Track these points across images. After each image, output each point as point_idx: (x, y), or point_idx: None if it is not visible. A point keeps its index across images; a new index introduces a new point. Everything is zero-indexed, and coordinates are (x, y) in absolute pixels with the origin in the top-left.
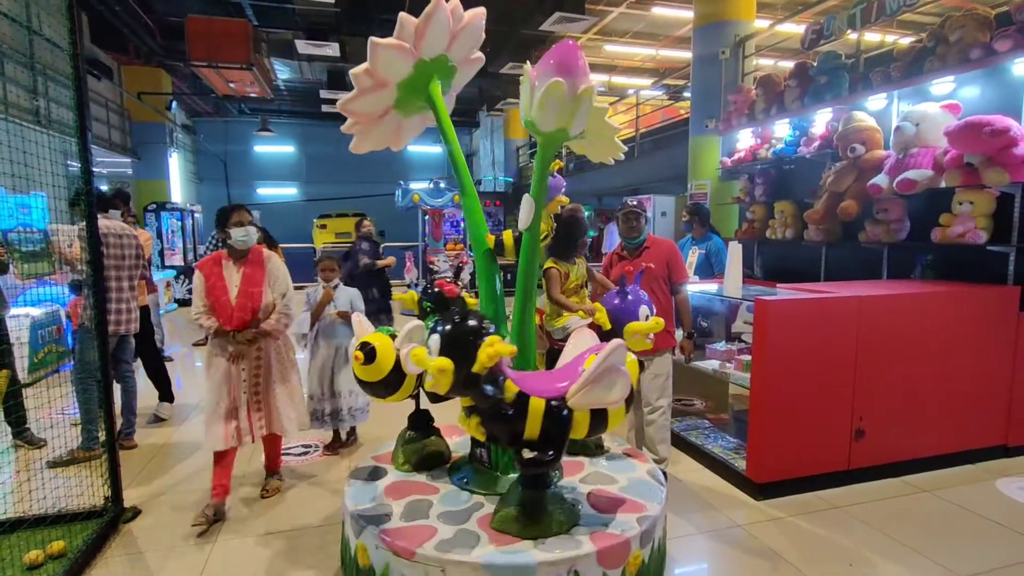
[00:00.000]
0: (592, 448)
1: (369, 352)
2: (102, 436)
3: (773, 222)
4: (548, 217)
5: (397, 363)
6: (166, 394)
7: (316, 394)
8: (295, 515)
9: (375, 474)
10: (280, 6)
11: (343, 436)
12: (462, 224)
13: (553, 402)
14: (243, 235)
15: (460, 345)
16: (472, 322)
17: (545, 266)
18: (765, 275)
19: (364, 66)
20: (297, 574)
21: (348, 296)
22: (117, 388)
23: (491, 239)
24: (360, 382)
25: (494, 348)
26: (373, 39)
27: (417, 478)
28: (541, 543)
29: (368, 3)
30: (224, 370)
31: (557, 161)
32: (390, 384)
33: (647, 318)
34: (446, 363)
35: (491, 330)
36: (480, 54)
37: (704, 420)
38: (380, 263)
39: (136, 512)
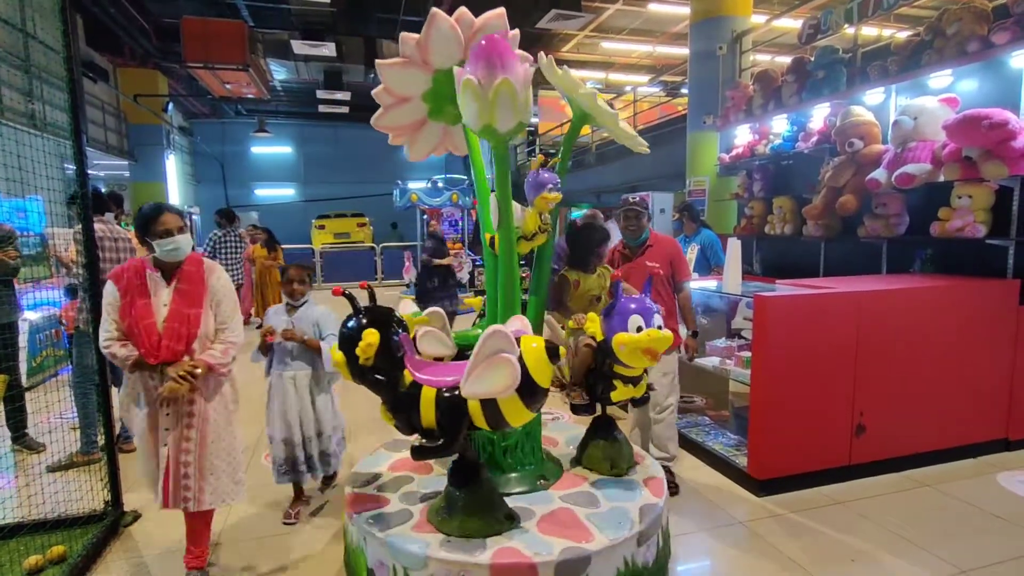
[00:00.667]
0: (617, 467)
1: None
2: (101, 440)
3: (772, 218)
4: (536, 216)
5: None
6: None
7: (287, 439)
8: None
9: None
10: (275, 6)
11: (319, 485)
12: (460, 223)
13: (445, 392)
14: (171, 247)
15: (347, 340)
16: (353, 321)
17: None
18: (764, 271)
19: (381, 86)
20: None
21: (314, 318)
22: (116, 392)
23: (489, 237)
24: (541, 393)
25: (366, 342)
26: (379, 62)
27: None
28: (448, 541)
29: (364, 2)
30: (145, 419)
31: (540, 156)
32: None
33: (639, 329)
34: (339, 356)
35: (364, 324)
36: (520, 53)
37: (705, 417)
38: (437, 261)
39: (136, 516)
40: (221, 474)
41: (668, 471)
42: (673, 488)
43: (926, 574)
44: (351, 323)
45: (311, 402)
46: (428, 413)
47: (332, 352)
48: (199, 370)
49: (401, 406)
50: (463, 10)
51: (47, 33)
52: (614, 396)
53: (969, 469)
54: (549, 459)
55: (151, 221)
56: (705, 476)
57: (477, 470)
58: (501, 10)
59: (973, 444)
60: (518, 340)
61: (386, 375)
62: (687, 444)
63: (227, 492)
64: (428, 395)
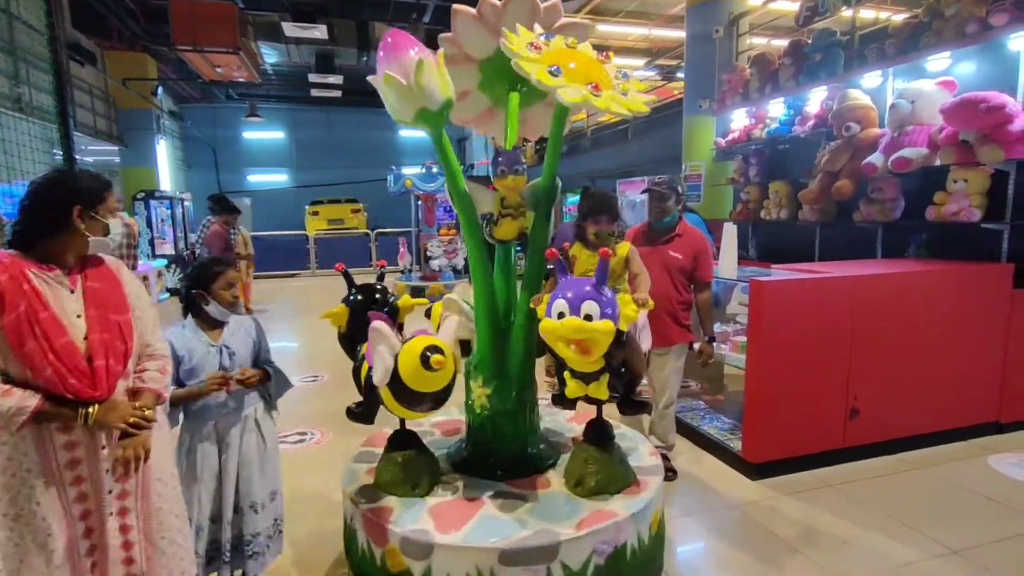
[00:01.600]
0: (583, 486)
1: (446, 356)
2: None
3: (768, 202)
4: (498, 200)
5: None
6: None
7: (207, 516)
8: (291, 504)
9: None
10: None
11: None
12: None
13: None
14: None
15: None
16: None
17: None
18: (760, 256)
19: (449, 34)
20: (299, 560)
21: (251, 333)
22: None
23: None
24: (417, 397)
25: (333, 311)
26: (456, 6)
27: (444, 498)
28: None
29: None
30: (44, 494)
31: (492, 139)
32: (447, 392)
33: (560, 316)
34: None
35: (346, 298)
36: (569, 19)
37: (699, 401)
38: None
39: None
40: (177, 542)
41: (665, 458)
42: (670, 474)
43: (918, 555)
44: (349, 297)
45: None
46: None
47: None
48: (149, 410)
49: (354, 373)
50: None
51: (31, 14)
52: (567, 392)
53: (961, 452)
54: (549, 446)
55: (104, 194)
56: (700, 460)
57: (410, 437)
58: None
59: (965, 427)
60: (411, 339)
61: (352, 344)
62: (682, 428)
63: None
64: (364, 368)
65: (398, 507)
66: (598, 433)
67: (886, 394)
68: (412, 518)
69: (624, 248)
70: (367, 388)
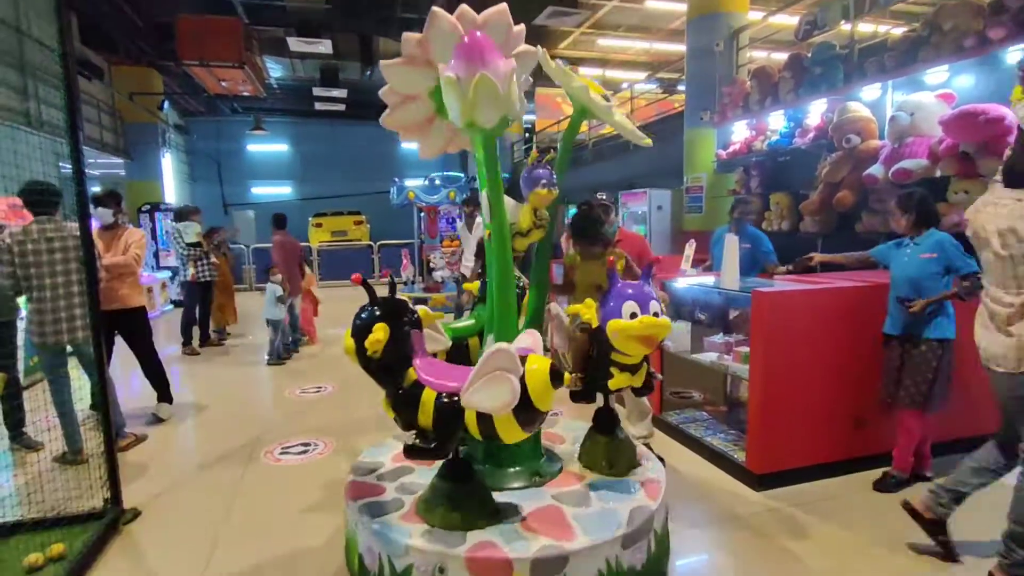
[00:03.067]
0: (616, 467)
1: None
2: (91, 440)
3: (769, 214)
4: (531, 212)
5: None
6: (165, 395)
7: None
8: (296, 514)
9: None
10: (271, 3)
11: None
12: (458, 221)
13: (444, 397)
14: None
15: (359, 330)
16: (366, 312)
17: None
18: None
19: (387, 85)
20: (301, 572)
21: None
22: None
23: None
24: (537, 416)
25: (375, 336)
26: (382, 62)
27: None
28: (430, 531)
29: None
30: None
31: (534, 152)
32: None
33: (632, 316)
34: (349, 343)
35: (377, 316)
36: (525, 47)
37: (702, 412)
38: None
39: (136, 513)
40: None
41: (648, 447)
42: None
43: (925, 567)
44: (364, 314)
45: None
46: (426, 414)
47: (345, 337)
48: None
49: (401, 403)
50: (464, 7)
51: (42, 31)
52: (611, 384)
53: None
54: (550, 456)
55: None
56: (703, 471)
57: (466, 465)
58: (503, 6)
59: (972, 437)
60: (524, 359)
61: (392, 370)
62: (685, 439)
63: None
64: (428, 396)
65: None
66: (612, 422)
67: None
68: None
69: (621, 259)
70: (444, 416)
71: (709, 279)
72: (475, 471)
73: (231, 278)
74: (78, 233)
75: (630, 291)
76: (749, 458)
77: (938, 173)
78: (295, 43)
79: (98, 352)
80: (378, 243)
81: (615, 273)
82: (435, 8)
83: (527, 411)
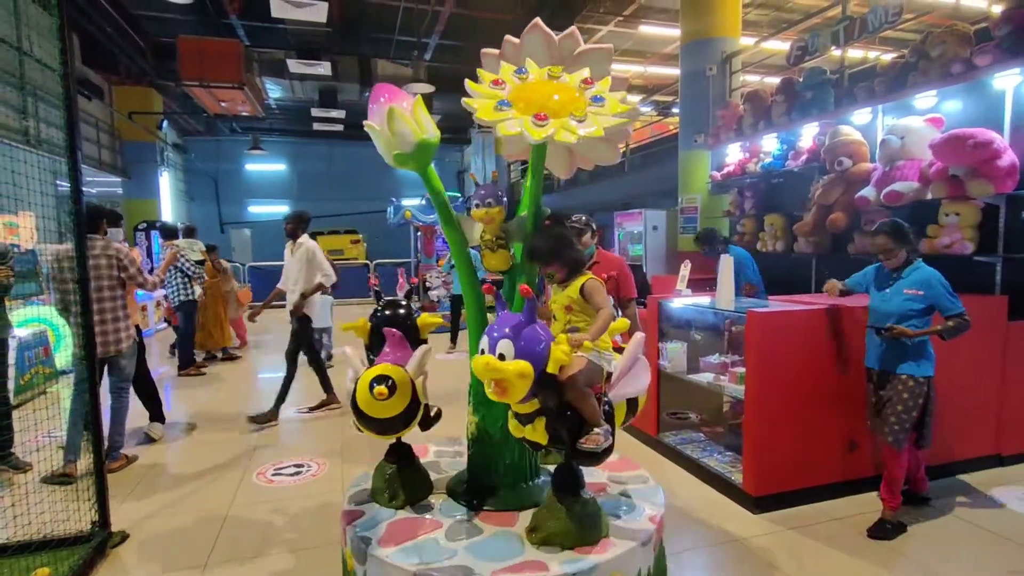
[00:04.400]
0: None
1: (391, 385)
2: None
3: (763, 234)
4: (479, 232)
5: (414, 391)
6: (157, 414)
7: None
8: (289, 536)
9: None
10: (271, 26)
11: None
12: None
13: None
14: None
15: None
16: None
17: None
18: None
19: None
20: None
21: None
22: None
23: None
24: (369, 421)
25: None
26: (484, 50)
27: (409, 515)
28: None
29: (359, 22)
30: None
31: (493, 172)
32: (409, 416)
33: (481, 352)
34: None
35: (374, 312)
36: (592, 47)
37: (699, 433)
38: None
39: (124, 536)
40: None
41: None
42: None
43: None
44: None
45: None
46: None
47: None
48: None
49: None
50: (509, 38)
51: (43, 50)
52: (510, 428)
53: (963, 485)
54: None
55: None
56: (700, 492)
57: (403, 451)
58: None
59: (966, 459)
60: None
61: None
62: (682, 460)
63: None
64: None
65: (369, 513)
66: (562, 482)
67: None
68: (369, 526)
69: (576, 285)
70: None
71: (704, 299)
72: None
73: (228, 297)
74: (112, 252)
75: (496, 326)
76: (746, 480)
77: (929, 196)
78: (295, 65)
79: (90, 371)
80: (374, 262)
81: (501, 299)
82: (484, 50)
83: (356, 411)
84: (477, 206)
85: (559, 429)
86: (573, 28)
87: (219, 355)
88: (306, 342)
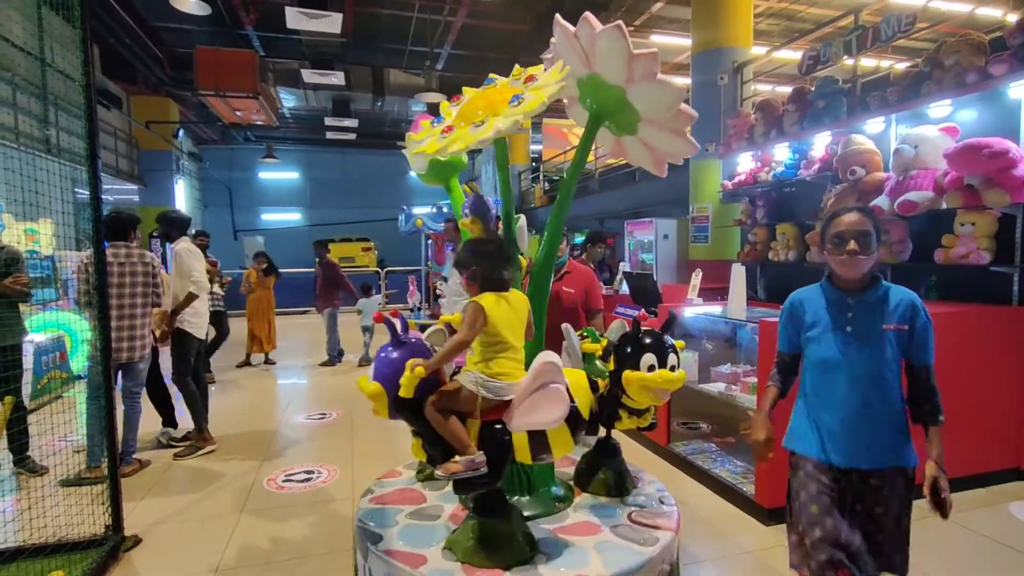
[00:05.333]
0: (618, 489)
1: None
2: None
3: (775, 244)
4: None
5: None
6: (170, 420)
7: None
8: (299, 543)
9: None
10: (287, 37)
11: None
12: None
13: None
14: None
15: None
16: (396, 352)
17: None
18: (768, 296)
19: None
20: None
21: None
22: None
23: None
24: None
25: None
26: (558, 18)
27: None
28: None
29: (372, 33)
30: None
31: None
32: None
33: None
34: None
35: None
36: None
37: (711, 444)
38: None
39: (137, 541)
40: None
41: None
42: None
43: None
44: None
45: None
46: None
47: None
48: None
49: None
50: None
51: (65, 61)
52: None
53: (981, 499)
54: (564, 487)
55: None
56: (711, 504)
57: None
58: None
59: (984, 473)
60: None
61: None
62: (693, 471)
63: None
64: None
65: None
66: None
67: None
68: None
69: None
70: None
71: (715, 308)
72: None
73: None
74: (148, 260)
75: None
76: (758, 491)
77: (944, 205)
78: (309, 75)
79: (106, 376)
80: (385, 269)
81: (396, 323)
82: (557, 18)
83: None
84: (464, 215)
85: (430, 451)
86: (586, 14)
87: (256, 362)
88: (182, 362)
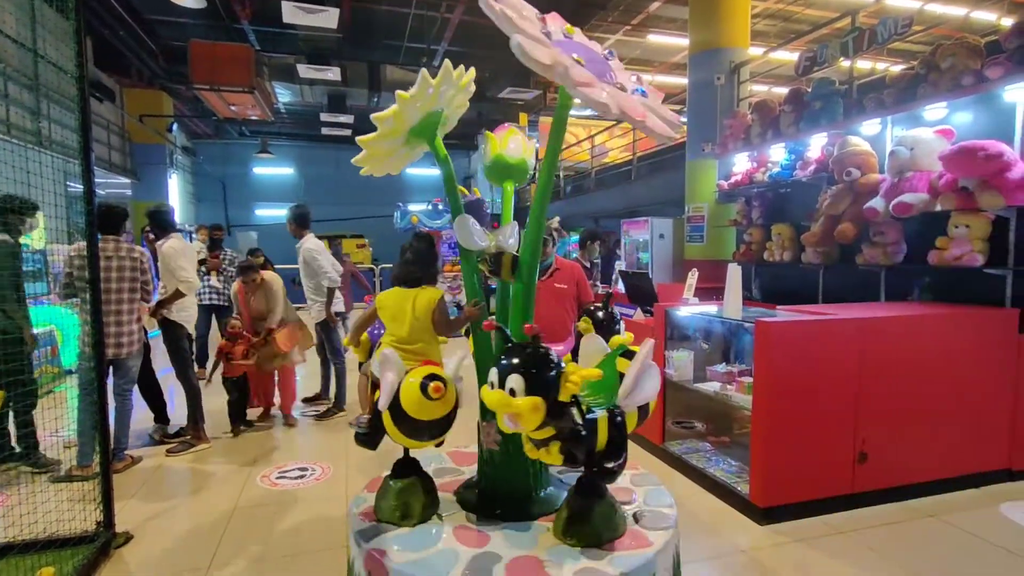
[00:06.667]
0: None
1: (445, 383)
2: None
3: (771, 244)
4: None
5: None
6: (161, 416)
7: None
8: (292, 540)
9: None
10: (282, 31)
11: None
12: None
13: (615, 411)
14: None
15: (544, 379)
16: (543, 353)
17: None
18: (763, 297)
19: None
20: None
21: None
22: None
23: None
24: (412, 425)
25: (578, 375)
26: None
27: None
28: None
29: (369, 29)
30: None
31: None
32: (445, 423)
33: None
34: (538, 401)
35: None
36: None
37: (706, 443)
38: None
39: (128, 537)
40: None
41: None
42: None
43: None
44: (542, 360)
45: None
46: (603, 435)
47: (504, 400)
48: None
49: (584, 436)
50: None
51: (58, 52)
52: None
53: (973, 499)
54: (557, 489)
55: None
56: (706, 503)
57: (410, 466)
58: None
59: (976, 473)
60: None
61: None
62: (688, 470)
63: None
64: (602, 418)
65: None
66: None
67: (894, 439)
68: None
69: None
70: (374, 414)
71: (711, 308)
72: (418, 468)
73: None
74: (137, 255)
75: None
76: (753, 491)
77: (938, 207)
78: (304, 70)
79: (99, 372)
80: (380, 266)
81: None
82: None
83: (399, 416)
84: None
85: (575, 451)
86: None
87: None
88: (178, 356)
